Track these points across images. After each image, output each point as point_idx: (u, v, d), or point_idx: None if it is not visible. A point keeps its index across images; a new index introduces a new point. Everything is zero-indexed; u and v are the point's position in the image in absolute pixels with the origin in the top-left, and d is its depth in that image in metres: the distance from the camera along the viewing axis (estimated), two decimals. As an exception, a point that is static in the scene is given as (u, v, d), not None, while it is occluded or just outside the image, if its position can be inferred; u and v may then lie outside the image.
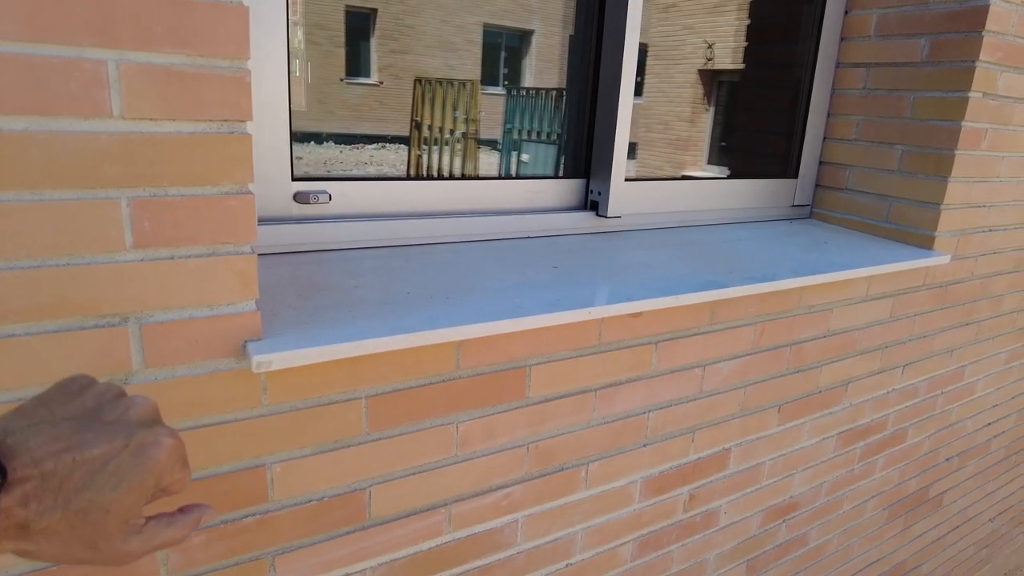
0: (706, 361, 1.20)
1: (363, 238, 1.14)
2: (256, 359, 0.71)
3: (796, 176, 1.75)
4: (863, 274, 1.33)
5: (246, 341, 0.73)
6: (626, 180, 1.38)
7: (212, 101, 0.66)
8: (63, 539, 0.36)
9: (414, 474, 0.91)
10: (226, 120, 0.67)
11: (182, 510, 0.43)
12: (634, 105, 1.69)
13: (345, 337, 0.77)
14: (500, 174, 1.45)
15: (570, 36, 1.43)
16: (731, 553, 1.44)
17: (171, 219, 0.66)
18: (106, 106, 0.61)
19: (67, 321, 0.64)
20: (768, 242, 1.47)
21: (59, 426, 0.37)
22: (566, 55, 1.46)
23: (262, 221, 1.06)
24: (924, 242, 1.55)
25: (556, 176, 1.39)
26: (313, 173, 1.24)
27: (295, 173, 1.09)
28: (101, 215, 0.63)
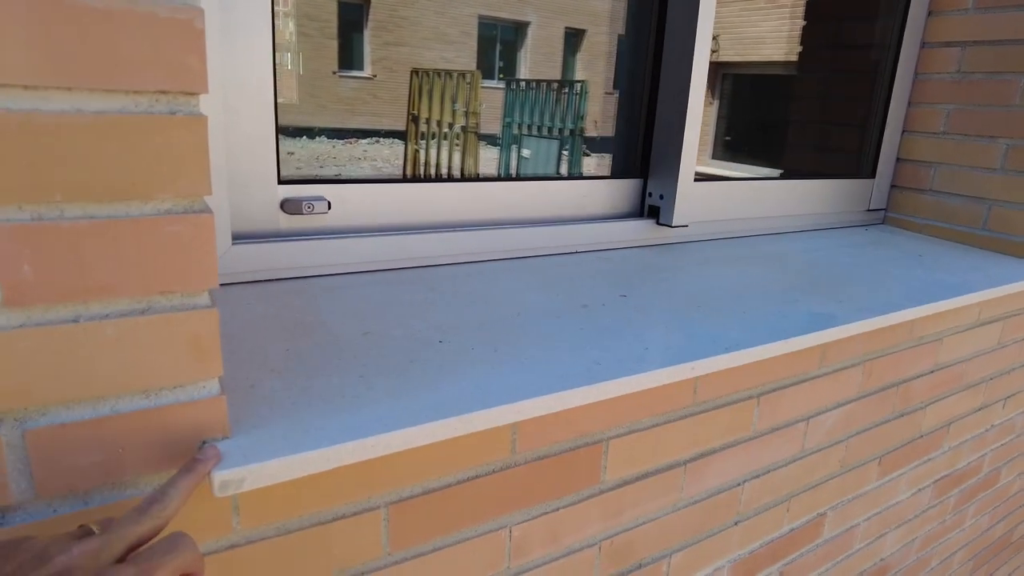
0: (810, 413, 0.94)
1: (370, 258, 0.87)
2: (220, 478, 0.44)
3: (873, 176, 1.49)
4: (981, 298, 1.08)
5: (204, 442, 0.47)
6: (695, 179, 1.12)
7: (139, 59, 0.39)
8: None
9: (452, 600, 0.65)
10: (163, 92, 0.40)
11: None
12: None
13: (357, 429, 0.50)
14: (510, 173, 1.19)
15: (627, 17, 1.16)
16: (816, 633, 1.19)
17: (69, 258, 0.40)
18: (-62, 62, 0.34)
19: None
20: (856, 256, 1.21)
21: None
22: (613, 46, 1.20)
23: (238, 238, 0.79)
24: (1035, 254, 1.30)
25: (608, 176, 1.13)
26: (305, 173, 0.97)
27: (283, 174, 0.82)
28: (-62, 255, 0.36)
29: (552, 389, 0.59)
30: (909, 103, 1.48)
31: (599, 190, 1.10)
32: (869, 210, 1.51)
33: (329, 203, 0.84)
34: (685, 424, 0.78)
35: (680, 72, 1.06)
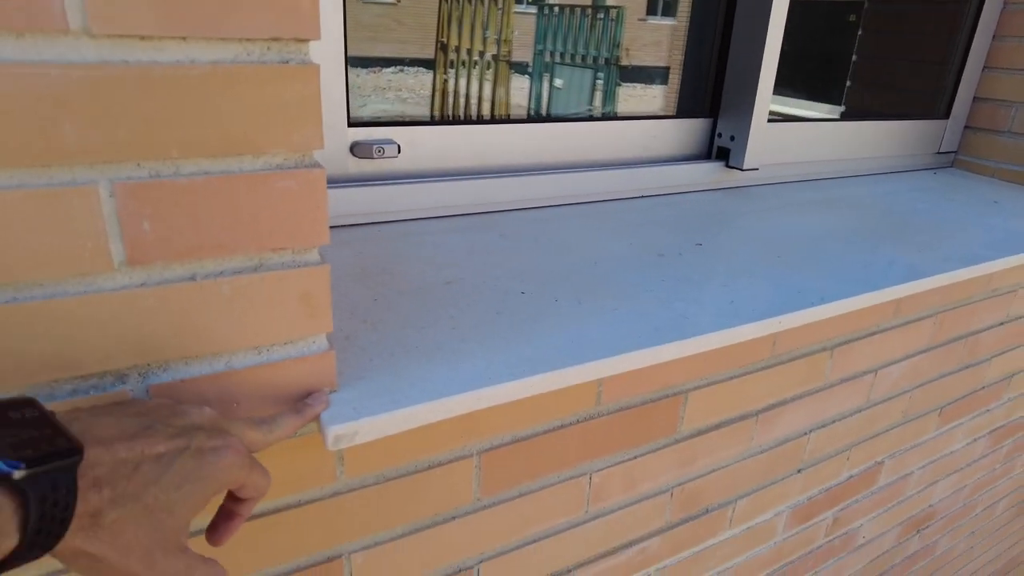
0: (879, 364, 0.93)
1: (440, 204, 0.85)
2: (332, 432, 0.45)
3: (947, 116, 1.41)
4: None
5: (299, 403, 0.47)
6: (769, 120, 1.07)
7: (251, 5, 0.37)
8: (126, 541, 0.32)
9: (534, 542, 0.67)
10: (275, 39, 0.38)
11: (207, 561, 0.38)
12: (655, 27, 1.38)
13: (460, 383, 0.50)
14: (540, 107, 1.13)
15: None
16: (861, 573, 1.22)
17: (185, 215, 0.39)
18: (58, 15, 0.33)
19: (25, 388, 0.38)
20: (930, 201, 1.16)
21: (124, 421, 0.35)
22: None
23: (310, 182, 0.78)
24: (1120, 201, 1.23)
25: (674, 115, 1.08)
26: (381, 109, 0.96)
27: (352, 115, 0.80)
28: (64, 214, 0.36)
29: (644, 344, 0.58)
30: (994, 36, 1.39)
31: (666, 130, 1.06)
32: (939, 152, 1.44)
33: (399, 146, 0.82)
34: (762, 376, 0.77)
35: None
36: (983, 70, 1.41)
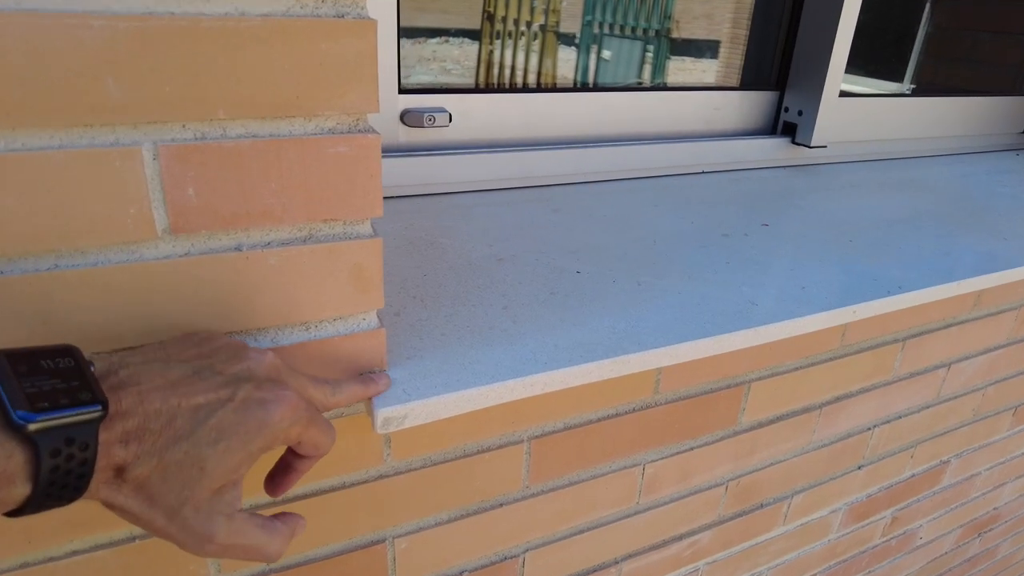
0: (953, 359, 0.87)
1: (493, 176, 0.82)
2: (382, 415, 0.43)
3: (1036, 90, 1.31)
4: None
5: (363, 374, 0.45)
6: (840, 95, 1.00)
7: (305, -49, 0.34)
8: (150, 495, 0.31)
9: (582, 532, 0.64)
10: (331, -10, 0.35)
11: (277, 517, 0.37)
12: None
13: (513, 367, 0.47)
14: (587, 79, 1.07)
15: None
16: (917, 575, 1.16)
17: (232, 181, 0.36)
18: (102, -45, 0.30)
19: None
20: (1013, 185, 1.08)
21: (172, 367, 0.33)
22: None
23: (358, 151, 0.75)
24: None
25: (738, 87, 1.02)
26: (425, 81, 0.93)
27: (403, 82, 0.77)
28: (107, 177, 0.34)
29: (708, 332, 0.54)
30: (1092, 4, 1.27)
31: (730, 103, 1.00)
32: (1022, 133, 1.34)
33: (451, 115, 0.79)
34: (828, 367, 0.72)
35: None
36: (1078, 42, 1.30)
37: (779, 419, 0.72)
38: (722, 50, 1.18)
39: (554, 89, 0.88)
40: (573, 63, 1.23)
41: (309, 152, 0.38)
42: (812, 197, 0.91)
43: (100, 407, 0.29)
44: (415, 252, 0.64)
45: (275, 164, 0.37)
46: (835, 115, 0.99)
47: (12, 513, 0.28)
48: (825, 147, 1.02)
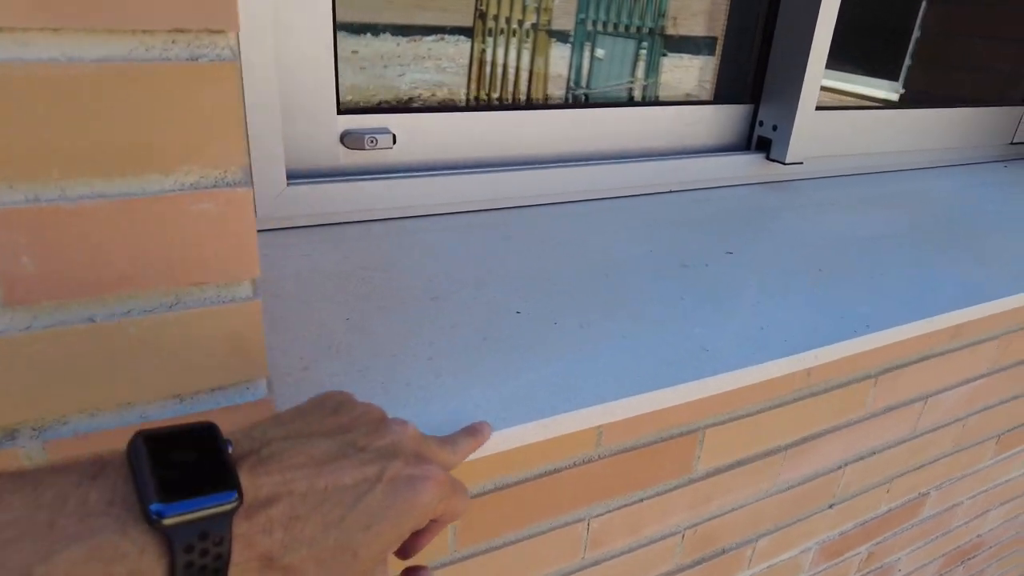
0: (931, 392, 0.82)
1: (441, 200, 0.77)
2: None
3: (1023, 102, 1.26)
4: None
5: (470, 426, 0.40)
6: (817, 109, 0.95)
7: (147, -14, 0.29)
8: None
9: (521, 592, 0.60)
10: (180, 31, 0.31)
11: (410, 571, 0.37)
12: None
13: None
14: (581, 85, 1.02)
15: None
16: (896, 605, 1.12)
17: (76, 246, 0.32)
18: None
19: None
20: (1000, 201, 1.03)
21: (315, 443, 0.31)
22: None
23: (293, 177, 0.70)
24: None
25: (710, 101, 0.98)
26: (369, 75, 0.88)
27: (345, 97, 0.72)
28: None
29: (654, 384, 0.49)
30: (1085, 10, 1.22)
31: (701, 117, 0.95)
32: (1013, 143, 1.29)
33: (394, 136, 0.74)
34: (792, 409, 0.68)
35: None
36: (1070, 50, 1.25)
37: (739, 464, 0.67)
38: (695, 61, 1.13)
39: (512, 107, 0.83)
40: (565, 61, 1.16)
41: (168, 211, 0.33)
42: (785, 217, 0.86)
43: (235, 497, 0.27)
44: (343, 290, 0.59)
45: (128, 225, 0.33)
46: (812, 130, 0.95)
47: None
48: (801, 163, 0.97)
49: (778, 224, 0.84)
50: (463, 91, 0.96)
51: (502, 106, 0.82)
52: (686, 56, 1.06)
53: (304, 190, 0.70)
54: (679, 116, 0.93)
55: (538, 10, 1.33)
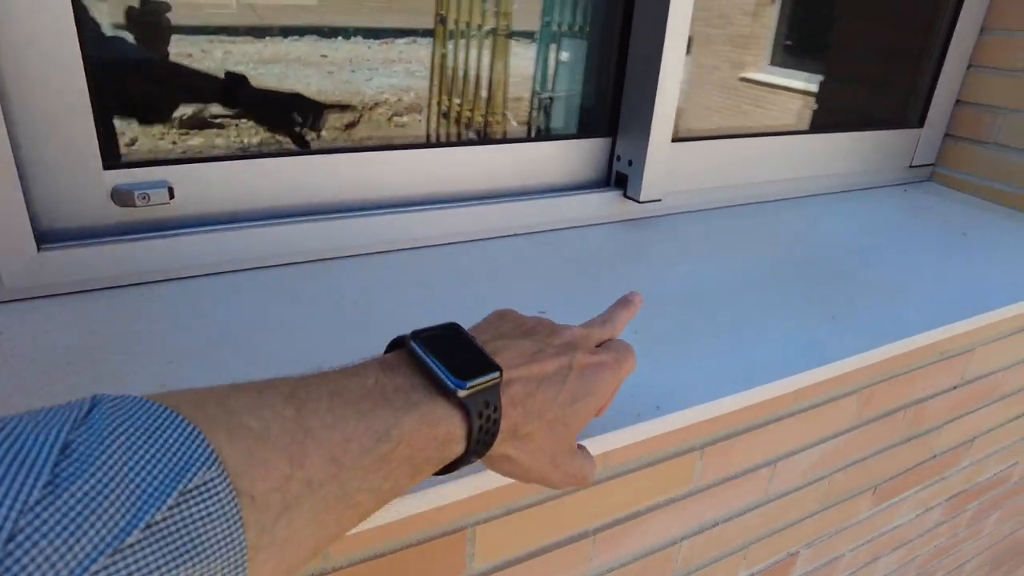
0: (780, 455, 0.76)
1: (227, 257, 0.70)
2: None
3: (921, 124, 1.21)
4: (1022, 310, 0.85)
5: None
6: (674, 140, 0.89)
7: None
8: (536, 448, 0.38)
9: None
10: None
11: (581, 449, 0.43)
12: None
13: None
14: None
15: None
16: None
17: None
18: None
19: None
20: (879, 234, 0.98)
21: (517, 343, 0.39)
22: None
23: (50, 239, 0.63)
24: (1117, 235, 1.03)
25: (565, 136, 0.91)
26: (337, 80, 0.84)
27: (111, 153, 0.65)
28: None
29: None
30: (982, 29, 1.17)
31: (555, 154, 0.89)
32: (912, 166, 1.24)
33: (171, 189, 0.67)
34: (601, 490, 0.61)
35: None
36: (967, 68, 1.20)
37: (527, 557, 0.61)
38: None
39: (325, 151, 0.76)
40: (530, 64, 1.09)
41: None
42: (634, 262, 0.80)
43: (499, 373, 0.35)
44: (62, 379, 0.52)
45: None
46: (668, 164, 0.89)
47: (441, 471, 0.35)
48: (659, 200, 0.91)
49: (621, 271, 0.78)
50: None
51: (311, 152, 0.75)
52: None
53: (59, 255, 0.63)
54: (525, 153, 0.87)
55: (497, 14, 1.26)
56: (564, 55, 1.00)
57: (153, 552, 0.22)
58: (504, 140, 0.86)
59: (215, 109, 0.78)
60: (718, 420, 0.67)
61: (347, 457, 0.29)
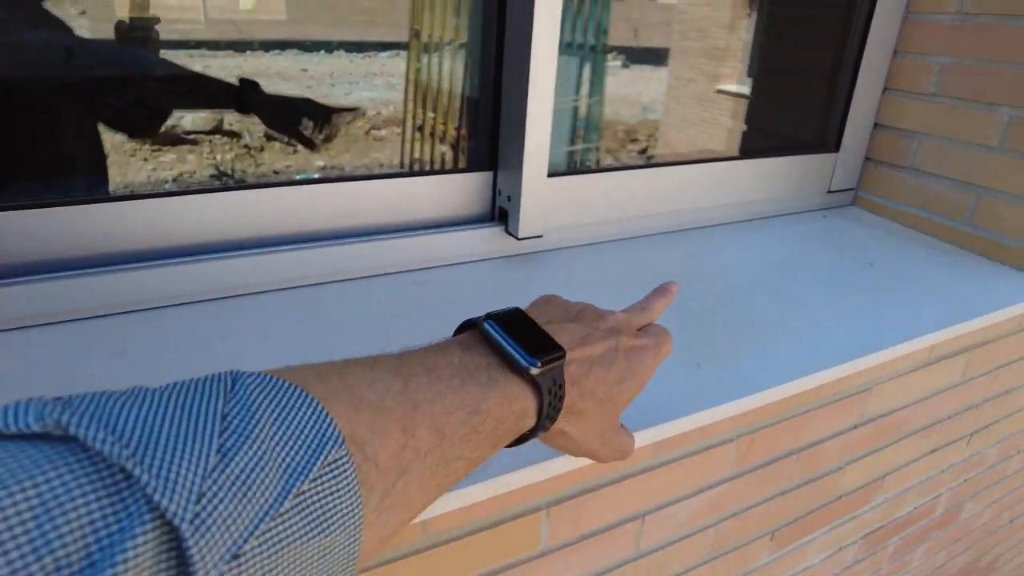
0: (647, 509, 0.72)
1: (49, 308, 0.66)
2: None
3: (836, 149, 1.18)
4: (930, 342, 0.82)
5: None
6: (551, 176, 0.85)
7: None
8: (588, 425, 0.41)
9: None
10: None
11: (623, 427, 0.47)
12: (664, 7, 1.20)
13: None
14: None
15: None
16: None
17: None
18: None
19: None
20: (785, 267, 0.94)
21: (568, 327, 0.41)
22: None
23: None
24: (1025, 263, 1.00)
25: (445, 170, 0.87)
26: (315, 93, 0.90)
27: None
28: None
29: None
30: (896, 51, 1.15)
31: (435, 189, 0.85)
32: (831, 191, 1.21)
33: (-25, 236, 0.63)
34: (418, 560, 0.57)
35: (521, 7, 0.77)
36: (884, 91, 1.17)
37: (582, 539, 0.56)
38: (641, 55, 1.02)
39: (154, 195, 0.72)
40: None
41: None
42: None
43: (564, 353, 0.38)
44: None
45: None
46: (546, 198, 0.85)
47: (512, 444, 0.38)
48: (541, 236, 0.87)
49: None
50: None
51: (113, 197, 0.70)
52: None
53: None
54: (399, 188, 0.83)
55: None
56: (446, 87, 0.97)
57: (298, 521, 0.24)
58: (380, 176, 0.82)
59: None
60: (565, 477, 0.62)
61: (448, 428, 0.32)
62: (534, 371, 0.36)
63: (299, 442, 0.26)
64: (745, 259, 0.97)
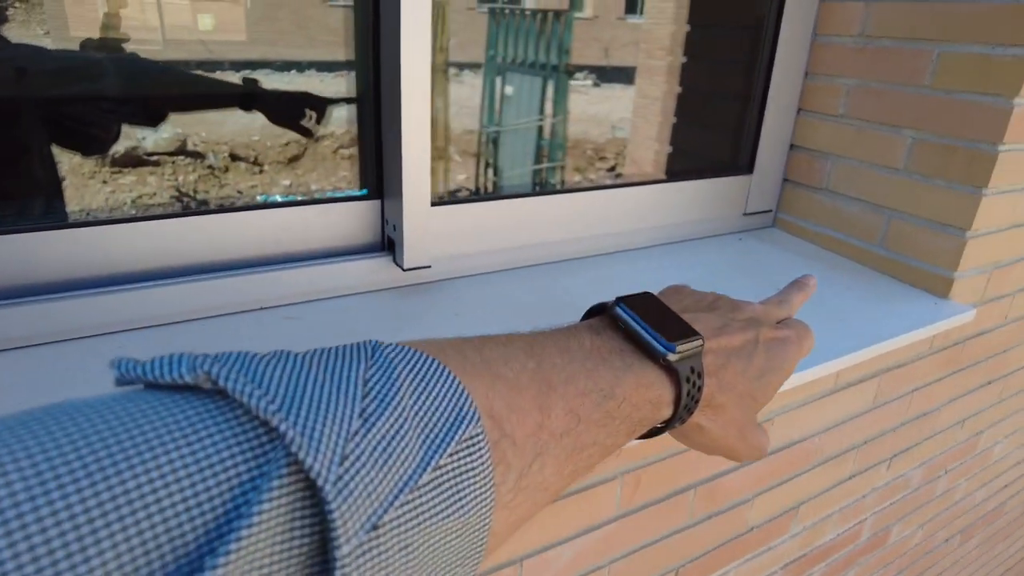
0: (526, 553, 0.69)
1: None
2: None
3: (751, 171, 1.17)
4: (835, 368, 0.80)
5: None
6: (435, 204, 0.83)
7: None
8: (726, 420, 0.39)
9: None
10: None
11: (759, 426, 0.44)
12: (633, 26, 1.15)
13: None
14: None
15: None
16: None
17: None
18: None
19: None
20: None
21: (702, 317, 0.39)
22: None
23: None
24: (935, 285, 0.99)
25: (331, 199, 0.84)
26: None
27: None
28: None
29: None
30: (807, 73, 1.14)
31: (318, 218, 0.82)
32: (747, 214, 1.20)
33: None
34: None
35: (390, 24, 0.74)
36: (798, 112, 1.17)
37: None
38: (611, 73, 1.00)
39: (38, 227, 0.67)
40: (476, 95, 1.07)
41: None
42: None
43: (703, 340, 0.36)
44: None
45: None
46: (431, 228, 0.82)
47: (647, 435, 0.37)
48: (429, 267, 0.84)
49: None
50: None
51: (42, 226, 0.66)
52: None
53: None
54: (276, 219, 0.79)
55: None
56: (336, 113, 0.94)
57: (434, 496, 0.23)
58: (257, 206, 0.79)
59: None
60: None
61: (583, 411, 0.31)
62: (672, 357, 0.34)
63: (437, 414, 0.25)
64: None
